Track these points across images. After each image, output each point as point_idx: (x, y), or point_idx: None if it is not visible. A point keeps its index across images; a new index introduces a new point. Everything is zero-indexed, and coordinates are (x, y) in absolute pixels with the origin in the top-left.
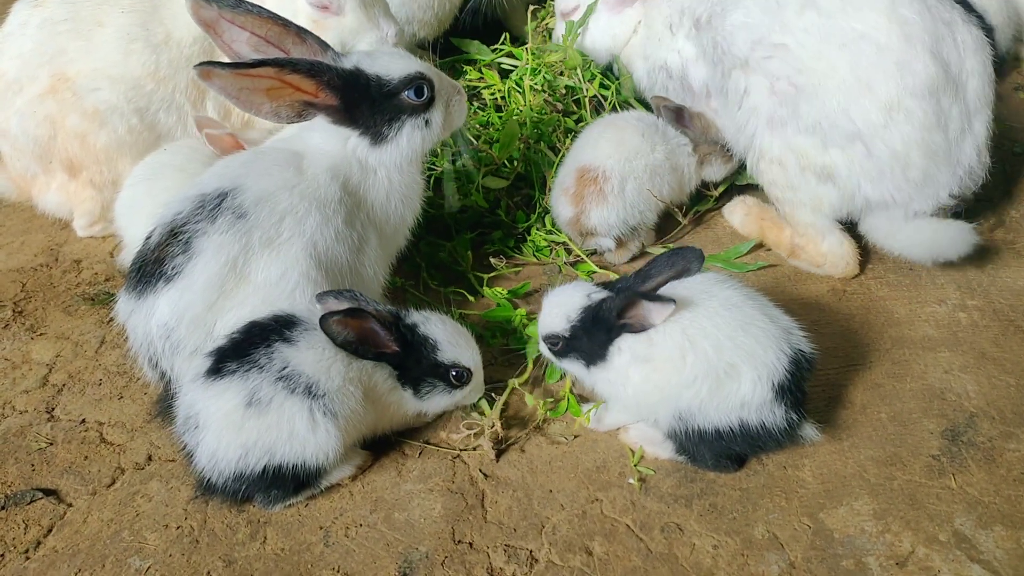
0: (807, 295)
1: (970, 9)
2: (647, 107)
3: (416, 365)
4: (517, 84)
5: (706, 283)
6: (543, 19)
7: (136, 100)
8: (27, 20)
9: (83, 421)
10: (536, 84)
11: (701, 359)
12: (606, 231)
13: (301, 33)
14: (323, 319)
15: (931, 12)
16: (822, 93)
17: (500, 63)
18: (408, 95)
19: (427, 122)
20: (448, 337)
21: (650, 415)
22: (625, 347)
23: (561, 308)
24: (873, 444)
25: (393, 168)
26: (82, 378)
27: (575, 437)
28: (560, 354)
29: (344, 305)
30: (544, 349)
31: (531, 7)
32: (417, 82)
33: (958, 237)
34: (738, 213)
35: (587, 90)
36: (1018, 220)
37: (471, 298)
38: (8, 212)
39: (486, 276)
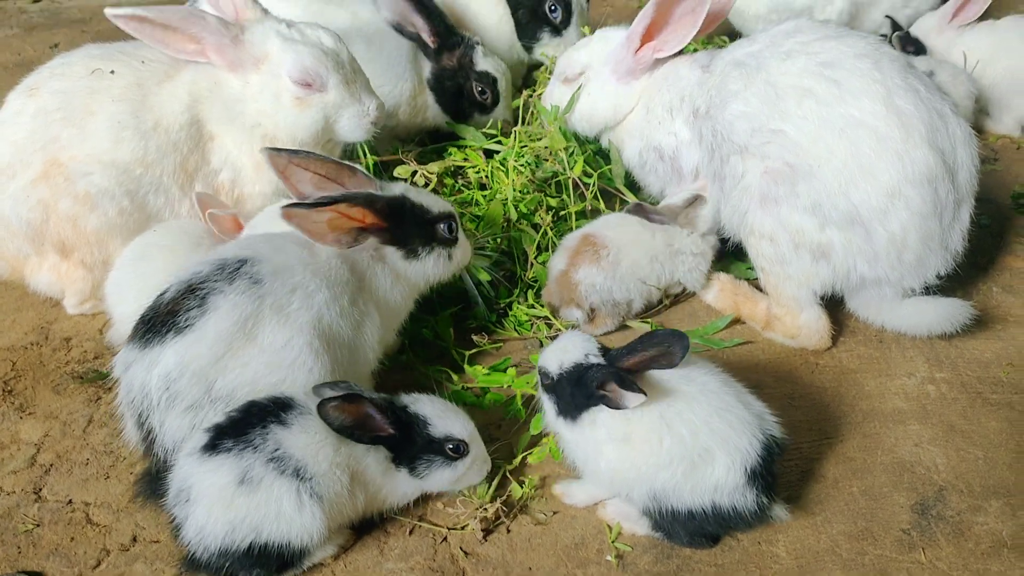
0: (781, 370)
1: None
2: (635, 190)
3: (411, 445)
4: (501, 164)
5: (685, 368)
6: (531, 94)
7: (126, 184)
8: (22, 109)
9: (70, 502)
10: (519, 164)
11: (677, 443)
12: (587, 292)
13: (352, 168)
14: (321, 405)
15: (925, 103)
16: (821, 175)
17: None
18: (442, 228)
19: (450, 256)
20: (438, 412)
21: (624, 491)
22: (602, 423)
23: (562, 353)
24: (845, 519)
25: (411, 277)
26: (69, 458)
27: (555, 513)
28: (545, 389)
29: (340, 392)
30: (538, 376)
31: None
32: (450, 220)
33: (958, 313)
34: (712, 289)
35: (570, 172)
36: (984, 292)
37: (454, 376)
38: (0, 291)
39: (467, 353)
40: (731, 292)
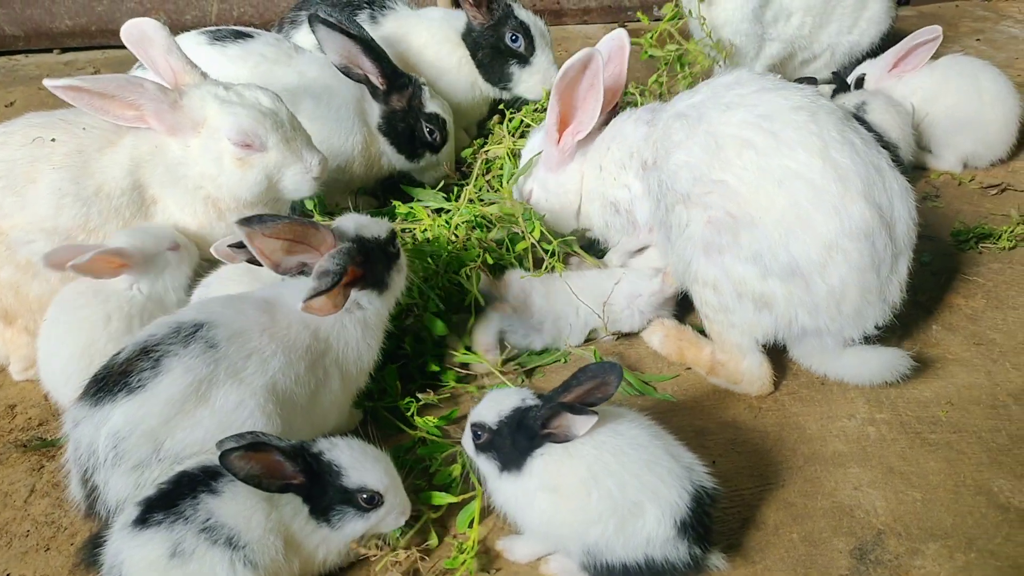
0: (725, 415)
1: (869, 129)
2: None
3: (324, 494)
4: (446, 223)
5: (614, 421)
6: (480, 146)
7: None
8: None
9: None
10: (461, 222)
11: (606, 497)
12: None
13: (315, 225)
14: (223, 455)
15: (861, 157)
16: (762, 226)
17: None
18: (392, 248)
19: (402, 267)
20: (354, 461)
21: (560, 546)
22: (536, 472)
23: (496, 404)
24: (785, 566)
25: (382, 311)
26: (9, 530)
27: (498, 571)
28: (481, 448)
29: (244, 442)
30: (467, 441)
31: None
32: (394, 236)
33: (896, 363)
34: (657, 334)
35: (527, 237)
36: (924, 331)
37: (409, 430)
38: None
39: (414, 406)
40: (676, 338)
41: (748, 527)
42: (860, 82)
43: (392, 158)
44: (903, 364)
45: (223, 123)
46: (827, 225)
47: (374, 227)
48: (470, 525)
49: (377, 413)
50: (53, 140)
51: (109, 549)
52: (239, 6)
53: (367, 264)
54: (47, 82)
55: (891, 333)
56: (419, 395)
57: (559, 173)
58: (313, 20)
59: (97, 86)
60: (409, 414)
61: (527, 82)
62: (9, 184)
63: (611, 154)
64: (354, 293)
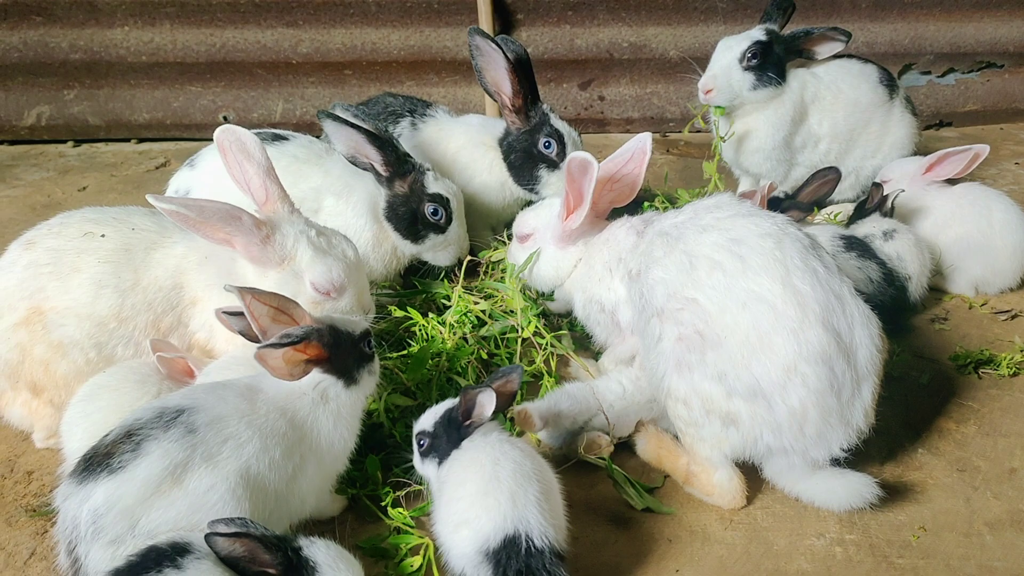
0: (696, 524)
1: (875, 258)
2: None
3: None
4: (440, 322)
5: (508, 445)
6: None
7: (97, 336)
8: (16, 259)
9: None
10: (455, 321)
11: (444, 506)
12: None
13: (295, 303)
14: (209, 535)
15: (822, 285)
16: (728, 346)
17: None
18: (365, 346)
19: (374, 370)
20: (330, 561)
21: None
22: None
23: (434, 413)
24: None
25: (351, 404)
26: None
27: None
28: (424, 453)
29: (233, 528)
30: (415, 456)
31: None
32: (368, 335)
33: (861, 490)
34: (641, 439)
35: (522, 332)
36: (909, 453)
37: (386, 519)
38: None
39: (390, 497)
40: (656, 445)
41: None
42: (891, 208)
43: (399, 244)
44: (869, 492)
45: (313, 270)
46: (786, 348)
47: (349, 323)
48: None
49: (359, 500)
50: (103, 236)
51: None
52: (301, 107)
53: (334, 349)
54: (151, 199)
55: (874, 453)
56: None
57: (560, 250)
58: (321, 115)
59: (199, 213)
60: (384, 503)
61: (555, 185)
62: (56, 271)
63: (602, 255)
64: (322, 380)
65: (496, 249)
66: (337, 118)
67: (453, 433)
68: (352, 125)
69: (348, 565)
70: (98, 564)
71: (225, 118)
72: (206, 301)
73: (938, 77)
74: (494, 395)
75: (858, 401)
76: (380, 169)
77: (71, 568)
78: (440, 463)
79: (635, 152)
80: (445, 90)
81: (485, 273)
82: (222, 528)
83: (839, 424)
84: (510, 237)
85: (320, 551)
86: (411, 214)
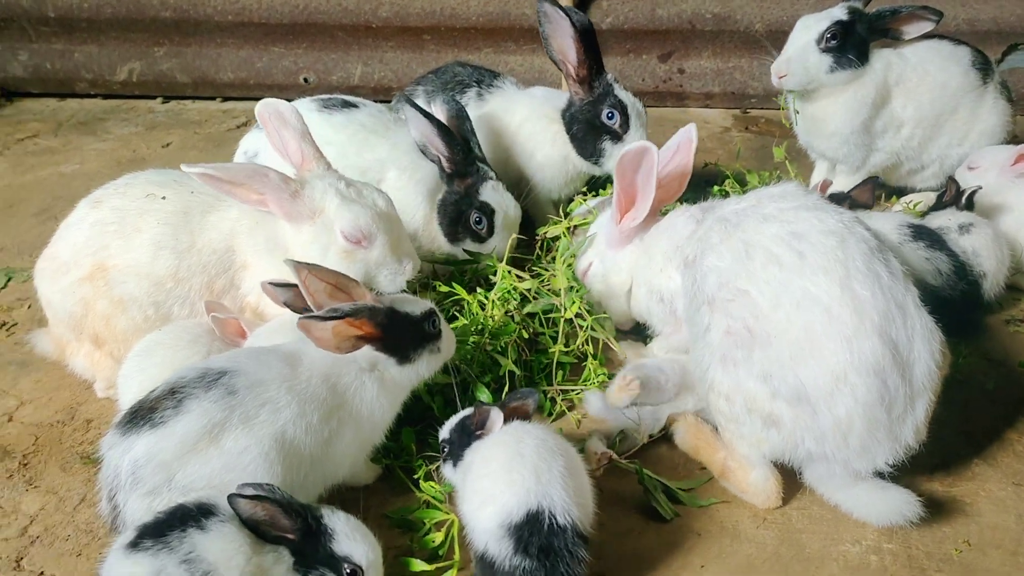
0: (727, 519)
1: (945, 249)
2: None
3: (313, 553)
4: (485, 297)
5: (532, 426)
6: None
7: (155, 295)
8: (84, 217)
9: (41, 574)
10: (498, 299)
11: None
12: None
13: (356, 282)
14: (232, 495)
15: (884, 292)
16: (776, 346)
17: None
18: (427, 326)
19: (439, 348)
20: (348, 531)
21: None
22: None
23: (452, 422)
24: None
25: (401, 379)
26: (54, 532)
27: None
28: (446, 459)
29: (260, 492)
30: (443, 465)
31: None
32: (432, 316)
33: (902, 507)
34: (680, 428)
35: (564, 312)
36: (964, 462)
37: (418, 492)
38: (48, 369)
39: (423, 469)
40: (694, 436)
41: None
42: (971, 201)
43: (438, 237)
44: (911, 510)
45: (341, 218)
46: (837, 355)
47: (410, 304)
48: None
49: (392, 471)
50: (164, 198)
51: (104, 565)
52: (379, 71)
53: (389, 329)
54: (184, 167)
55: (925, 459)
56: (422, 484)
57: (617, 252)
58: (400, 99)
59: (227, 175)
60: (417, 476)
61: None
62: (120, 229)
63: (661, 244)
64: (372, 354)
65: (554, 224)
66: (416, 106)
67: (465, 440)
68: (429, 117)
69: (364, 536)
70: (135, 513)
71: (306, 79)
72: (255, 266)
73: None
74: (502, 415)
75: (910, 417)
76: (445, 164)
77: (111, 515)
78: (455, 464)
79: (680, 144)
80: (522, 58)
81: (541, 248)
82: (249, 491)
83: (886, 439)
84: (567, 214)
85: (339, 521)
86: (457, 215)
